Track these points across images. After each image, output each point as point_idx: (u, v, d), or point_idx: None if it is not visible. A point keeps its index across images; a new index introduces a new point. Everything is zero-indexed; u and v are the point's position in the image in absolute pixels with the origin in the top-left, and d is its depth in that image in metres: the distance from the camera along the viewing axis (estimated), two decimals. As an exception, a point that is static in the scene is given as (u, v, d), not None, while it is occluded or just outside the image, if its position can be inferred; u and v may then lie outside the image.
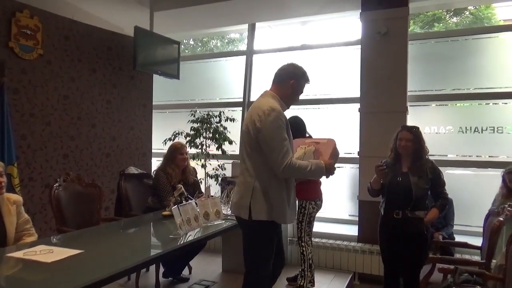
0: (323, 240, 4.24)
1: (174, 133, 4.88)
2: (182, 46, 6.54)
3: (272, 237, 2.26)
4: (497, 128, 4.17)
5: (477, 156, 4.25)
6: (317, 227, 4.23)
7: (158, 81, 5.35)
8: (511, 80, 4.18)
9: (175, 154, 3.69)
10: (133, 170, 4.01)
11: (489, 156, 4.19)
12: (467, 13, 7.37)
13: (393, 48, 4.15)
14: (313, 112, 4.91)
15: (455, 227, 3.93)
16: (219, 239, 4.35)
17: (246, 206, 2.20)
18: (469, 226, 4.07)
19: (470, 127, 4.30)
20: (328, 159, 2.32)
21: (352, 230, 4.33)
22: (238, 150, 5.37)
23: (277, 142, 2.14)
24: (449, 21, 7.41)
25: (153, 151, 5.24)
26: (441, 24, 6.98)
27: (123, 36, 4.80)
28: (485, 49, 4.46)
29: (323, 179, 2.46)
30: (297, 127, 3.45)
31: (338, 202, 4.69)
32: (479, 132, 4.24)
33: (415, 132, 2.94)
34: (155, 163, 5.04)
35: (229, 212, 3.17)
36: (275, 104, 2.22)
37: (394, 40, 4.15)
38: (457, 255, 3.55)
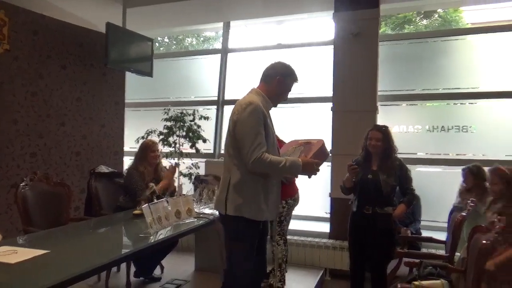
0: (295, 238, 4.29)
1: (147, 132, 4.82)
2: (157, 44, 6.47)
3: (249, 234, 2.21)
4: (462, 127, 4.33)
5: (444, 154, 4.40)
6: (293, 224, 4.29)
7: (131, 78, 5.28)
8: (477, 81, 4.36)
9: (146, 152, 3.65)
10: (103, 169, 3.93)
11: (456, 154, 4.34)
12: (436, 16, 7.61)
13: (365, 48, 4.25)
14: (288, 111, 4.95)
15: (422, 223, 4.07)
16: (192, 238, 4.32)
17: (222, 201, 2.21)
18: (436, 221, 4.21)
19: (438, 126, 4.44)
20: (310, 158, 2.25)
21: (327, 227, 4.40)
22: (212, 149, 5.37)
23: (249, 135, 2.11)
24: (419, 23, 7.63)
25: (125, 149, 5.15)
26: (411, 26, 7.18)
27: (95, 32, 4.69)
28: (453, 50, 4.62)
29: (304, 178, 2.38)
30: None
31: (314, 200, 4.75)
32: (445, 131, 4.39)
33: (384, 131, 3.05)
34: (128, 162, 4.96)
35: (202, 210, 3.17)
36: (255, 99, 2.22)
37: (366, 41, 4.25)
38: (424, 250, 3.67)
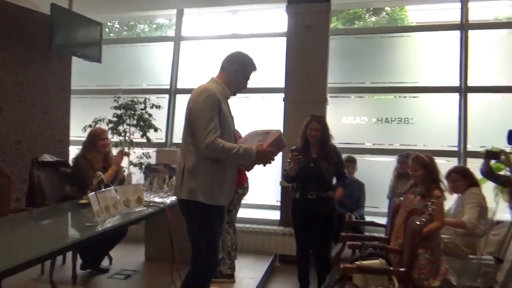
0: (247, 225, 4.37)
1: (95, 120, 4.65)
2: (106, 29, 6.23)
3: (205, 219, 2.24)
4: (404, 119, 4.61)
5: (389, 144, 4.65)
6: (244, 213, 4.37)
7: (78, 64, 5.04)
8: (419, 76, 4.65)
9: (95, 140, 3.53)
10: (47, 157, 3.75)
11: (400, 145, 4.61)
12: (384, 13, 7.96)
13: (316, 41, 4.37)
14: (243, 101, 4.99)
15: (367, 209, 4.31)
16: (142, 228, 4.26)
17: (178, 186, 2.24)
18: (379, 207, 4.46)
19: (382, 118, 4.70)
20: (266, 146, 2.28)
21: (278, 215, 4.51)
22: (164, 138, 5.30)
23: (203, 121, 2.14)
24: (368, 19, 7.94)
25: (71, 138, 4.94)
26: (361, 22, 7.45)
27: (39, 14, 4.42)
28: (398, 47, 4.89)
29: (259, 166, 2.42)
30: None
31: (266, 189, 4.85)
32: (389, 123, 4.65)
33: (323, 122, 3.27)
34: (75, 151, 4.77)
35: (152, 199, 3.14)
36: (211, 86, 2.25)
37: (317, 34, 4.38)
38: (367, 233, 3.88)
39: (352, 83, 4.82)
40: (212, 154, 2.17)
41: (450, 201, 3.31)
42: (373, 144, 4.72)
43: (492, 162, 3.15)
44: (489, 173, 3.20)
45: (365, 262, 2.48)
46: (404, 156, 3.77)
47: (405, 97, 4.75)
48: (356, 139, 4.73)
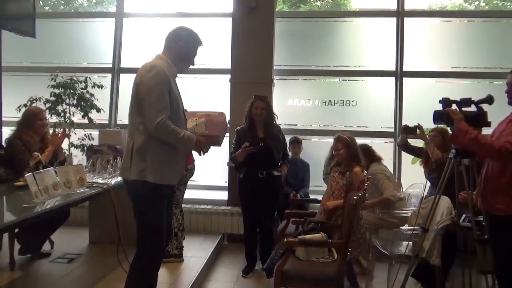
0: (195, 206, 4.40)
1: (31, 99, 4.37)
2: (41, 2, 5.80)
3: (154, 198, 2.19)
4: (346, 101, 4.82)
5: (339, 126, 4.83)
6: (192, 194, 4.39)
7: (10, 39, 4.66)
8: (361, 60, 4.85)
9: (33, 120, 3.35)
10: (-23, 138, 3.50)
11: (344, 126, 4.80)
12: (329, -2, 8.12)
13: (261, 23, 4.41)
14: (190, 82, 4.93)
15: (312, 188, 4.49)
16: (86, 211, 4.14)
17: (127, 167, 2.17)
18: (322, 186, 4.66)
19: (327, 101, 4.87)
20: (215, 134, 2.35)
21: (226, 195, 4.57)
22: (108, 119, 5.10)
23: (153, 98, 2.07)
24: (313, 3, 8.06)
25: (4, 119, 4.60)
26: (306, 6, 7.55)
27: (-40, -20, 4.01)
28: (343, 31, 5.04)
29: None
30: None
31: (215, 170, 4.87)
32: (332, 105, 4.84)
33: (267, 101, 3.41)
34: (8, 132, 4.46)
35: (95, 180, 3.05)
36: (159, 63, 2.18)
37: (262, 15, 4.41)
38: (311, 210, 4.06)
39: (299, 66, 4.93)
40: (160, 135, 2.12)
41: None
42: (319, 125, 4.89)
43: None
44: (405, 146, 3.68)
45: (307, 236, 2.62)
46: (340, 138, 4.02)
47: (350, 80, 4.95)
48: (303, 121, 4.88)
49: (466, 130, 2.15)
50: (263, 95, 3.45)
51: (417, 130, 3.43)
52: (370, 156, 3.62)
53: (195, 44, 2.35)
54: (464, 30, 4.88)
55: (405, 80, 4.73)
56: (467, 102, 2.30)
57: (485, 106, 2.30)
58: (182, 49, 2.29)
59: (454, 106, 2.35)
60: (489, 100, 2.26)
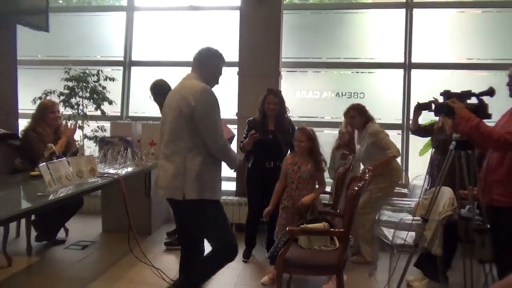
0: (204, 196, 4.49)
1: (45, 92, 4.52)
2: (54, -4, 5.93)
3: (216, 212, 2.30)
4: (354, 93, 4.84)
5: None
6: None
7: (25, 33, 4.80)
8: (372, 52, 4.84)
9: (45, 113, 3.48)
10: (-5, 130, 3.65)
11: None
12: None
13: (269, 15, 4.45)
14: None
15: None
16: (98, 201, 4.29)
17: (178, 187, 2.17)
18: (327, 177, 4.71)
19: (339, 93, 4.88)
20: (232, 134, 2.69)
21: (234, 186, 4.67)
22: (120, 111, 5.21)
23: (214, 121, 2.19)
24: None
25: (21, 111, 4.76)
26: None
27: (-24, -23, 4.14)
28: (354, 23, 5.03)
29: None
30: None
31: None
32: (339, 97, 4.86)
33: (280, 95, 3.46)
34: (25, 124, 4.62)
35: (106, 170, 3.17)
36: (206, 85, 2.24)
37: (270, 8, 4.44)
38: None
39: (309, 58, 4.95)
40: (222, 155, 2.29)
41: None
42: (332, 117, 4.91)
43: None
44: (418, 130, 3.53)
45: (309, 226, 2.69)
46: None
47: (362, 72, 4.95)
48: (313, 112, 4.91)
49: (468, 117, 2.15)
50: (276, 89, 3.50)
51: (432, 105, 2.98)
52: (366, 116, 3.53)
53: (223, 63, 2.43)
54: (478, 21, 4.80)
55: (419, 72, 4.71)
56: (467, 94, 2.31)
57: (494, 99, 2.29)
58: (213, 69, 2.36)
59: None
60: (491, 92, 2.27)
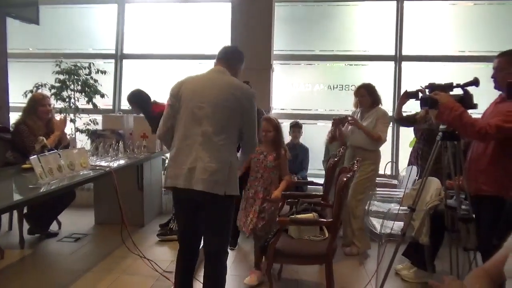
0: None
1: (36, 85, 4.51)
2: (44, -12, 5.87)
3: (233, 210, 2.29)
4: (345, 85, 4.88)
5: (345, 110, 4.85)
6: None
7: (15, 26, 4.76)
8: (364, 44, 4.88)
9: (36, 106, 3.48)
10: (-15, 123, 3.64)
11: (344, 110, 4.78)
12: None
13: (260, 8, 4.46)
14: (189, 67, 5.00)
15: (313, 171, 4.58)
16: (91, 194, 4.30)
17: (223, 181, 2.07)
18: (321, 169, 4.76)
19: (328, 86, 4.91)
20: None
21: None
22: (112, 104, 5.21)
23: (255, 126, 2.21)
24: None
25: (12, 104, 4.74)
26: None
27: (-36, -31, 4.10)
28: (344, 15, 5.03)
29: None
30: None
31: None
32: (331, 89, 4.89)
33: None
34: (16, 117, 4.60)
35: (98, 163, 3.18)
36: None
37: (262, 0, 4.44)
38: (307, 192, 4.16)
39: (301, 50, 4.97)
40: (248, 156, 2.49)
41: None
42: (325, 110, 4.94)
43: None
44: (400, 119, 3.46)
45: (299, 216, 2.73)
46: (337, 119, 4.06)
47: (356, 65, 4.96)
48: (306, 105, 4.94)
49: (452, 106, 2.18)
50: (245, 80, 3.53)
51: (419, 94, 2.89)
52: (375, 96, 3.60)
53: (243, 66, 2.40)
54: (470, 13, 4.82)
55: (411, 64, 4.75)
56: (450, 86, 2.34)
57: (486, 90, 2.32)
58: (237, 70, 2.32)
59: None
60: (475, 82, 2.30)
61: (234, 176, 2.14)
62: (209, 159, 2.05)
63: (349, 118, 3.53)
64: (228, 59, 2.27)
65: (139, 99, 3.93)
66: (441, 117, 2.28)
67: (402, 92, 4.51)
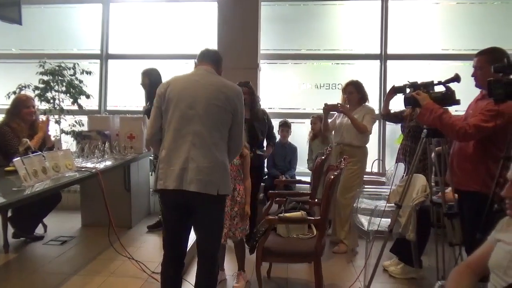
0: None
1: (20, 86, 4.43)
2: (26, -12, 5.77)
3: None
4: (332, 84, 4.91)
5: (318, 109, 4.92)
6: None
7: (-4, 26, 4.68)
8: (350, 43, 4.91)
9: (20, 108, 3.42)
10: (-33, 126, 3.56)
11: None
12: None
13: (247, 8, 4.46)
14: (176, 66, 4.97)
15: (301, 169, 4.60)
16: (78, 196, 4.25)
17: (217, 182, 2.05)
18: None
19: (315, 84, 4.94)
20: None
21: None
22: (98, 105, 5.15)
23: (242, 127, 2.22)
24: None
25: (-5, 107, 4.66)
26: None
27: None
28: (330, 14, 5.06)
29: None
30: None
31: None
32: (318, 88, 4.92)
33: (249, 86, 3.58)
34: (-1, 119, 4.53)
35: (84, 165, 3.14)
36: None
37: (248, 0, 4.44)
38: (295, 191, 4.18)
39: (288, 50, 4.98)
40: (235, 157, 2.41)
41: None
42: (313, 109, 4.94)
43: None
44: (387, 115, 3.49)
45: (287, 214, 2.75)
46: (314, 117, 4.23)
47: (342, 64, 5.00)
48: (295, 104, 4.96)
49: (432, 108, 2.24)
50: (246, 81, 3.59)
51: (407, 89, 2.84)
52: (362, 93, 3.68)
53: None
54: (453, 12, 4.89)
55: (396, 63, 4.81)
56: (429, 84, 2.38)
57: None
58: (220, 72, 2.28)
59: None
60: (456, 79, 2.35)
61: (227, 175, 2.13)
62: (202, 159, 2.02)
63: (339, 104, 3.58)
64: (213, 60, 2.24)
65: (155, 76, 3.91)
66: (422, 119, 2.34)
67: (388, 89, 4.66)
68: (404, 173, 3.53)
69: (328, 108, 3.59)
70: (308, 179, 4.11)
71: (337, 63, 5.03)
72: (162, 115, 2.12)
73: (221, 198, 2.12)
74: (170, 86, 2.14)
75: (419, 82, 2.44)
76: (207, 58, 2.25)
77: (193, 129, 2.04)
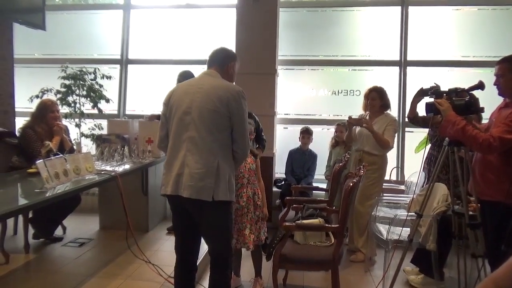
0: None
1: (42, 90, 4.53)
2: (50, -6, 5.92)
3: (232, 214, 2.24)
4: (350, 91, 4.87)
5: (335, 115, 4.89)
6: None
7: (22, 32, 4.81)
8: (369, 50, 4.87)
9: (45, 112, 3.50)
10: (-8, 128, 3.66)
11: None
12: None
13: (265, 13, 4.47)
14: (193, 72, 5.00)
15: (318, 176, 4.55)
16: (96, 199, 4.30)
17: (209, 187, 2.02)
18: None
19: (333, 91, 4.91)
20: None
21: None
22: (117, 109, 5.23)
23: (246, 128, 2.16)
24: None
25: (18, 109, 4.77)
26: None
27: (-27, -25, 4.14)
28: (351, 21, 5.04)
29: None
30: None
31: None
32: (336, 95, 4.89)
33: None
34: (22, 122, 4.62)
35: (103, 168, 3.18)
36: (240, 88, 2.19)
37: (266, 6, 4.47)
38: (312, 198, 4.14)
39: (305, 55, 4.97)
40: (242, 161, 2.34)
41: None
42: (329, 115, 4.92)
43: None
44: (415, 118, 3.31)
45: (305, 221, 2.72)
46: (340, 125, 4.15)
47: (359, 70, 4.96)
48: (312, 110, 4.93)
49: (454, 121, 2.20)
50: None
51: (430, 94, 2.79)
52: (385, 100, 3.60)
53: (237, 64, 2.35)
54: (474, 18, 4.80)
55: (415, 69, 4.74)
56: (454, 92, 2.34)
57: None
58: (232, 69, 2.29)
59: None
60: (480, 86, 2.29)
61: (224, 180, 2.06)
62: (195, 164, 2.03)
63: (363, 120, 3.50)
64: (217, 61, 2.25)
65: (186, 78, 3.92)
66: (444, 131, 2.29)
67: (408, 98, 4.60)
68: (425, 182, 3.46)
69: (352, 122, 3.53)
70: (324, 185, 4.08)
71: (354, 69, 4.99)
72: (167, 123, 2.19)
73: (220, 204, 2.06)
74: (173, 94, 2.21)
75: (441, 89, 2.40)
76: (210, 62, 2.29)
77: (189, 135, 2.07)
